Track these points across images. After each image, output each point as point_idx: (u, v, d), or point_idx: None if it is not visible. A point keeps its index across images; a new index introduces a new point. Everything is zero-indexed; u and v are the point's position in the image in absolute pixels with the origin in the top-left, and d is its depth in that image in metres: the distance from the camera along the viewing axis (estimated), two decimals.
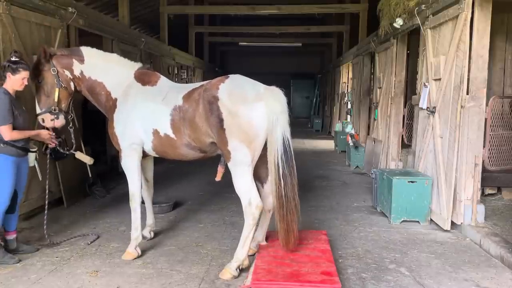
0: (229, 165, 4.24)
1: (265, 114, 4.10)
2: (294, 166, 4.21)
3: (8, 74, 4.46)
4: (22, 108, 4.66)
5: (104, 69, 4.82)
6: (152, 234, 5.34)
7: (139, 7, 14.63)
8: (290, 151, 4.17)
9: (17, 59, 4.49)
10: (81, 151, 7.23)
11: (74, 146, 5.14)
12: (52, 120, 4.73)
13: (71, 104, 4.97)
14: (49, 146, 4.92)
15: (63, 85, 4.74)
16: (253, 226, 4.25)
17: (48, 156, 5.05)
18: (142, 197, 5.05)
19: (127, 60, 4.97)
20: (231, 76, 4.39)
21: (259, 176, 4.49)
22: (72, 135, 5.03)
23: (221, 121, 4.11)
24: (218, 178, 4.65)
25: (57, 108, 4.72)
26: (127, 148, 4.70)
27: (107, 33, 8.72)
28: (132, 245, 4.75)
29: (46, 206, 5.11)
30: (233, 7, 16.74)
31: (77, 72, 4.80)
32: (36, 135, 4.72)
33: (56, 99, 4.72)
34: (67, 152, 5.10)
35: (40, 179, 5.05)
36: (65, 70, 4.76)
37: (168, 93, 4.55)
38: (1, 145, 4.41)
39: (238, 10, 16.20)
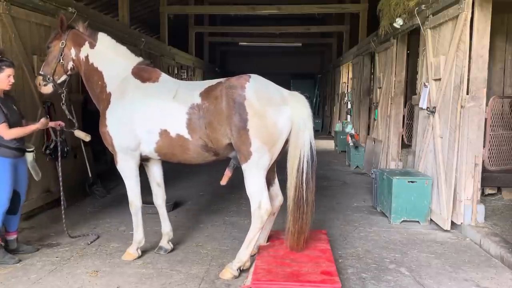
0: (245, 166, 4.11)
1: (289, 118, 4.07)
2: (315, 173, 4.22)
3: None
4: (13, 108, 4.56)
5: (109, 59, 4.66)
6: (171, 244, 4.92)
7: (139, 7, 14.63)
8: (315, 156, 4.16)
9: None
10: (81, 150, 7.26)
11: (76, 125, 5.09)
12: (40, 84, 4.77)
13: (65, 82, 4.84)
14: (57, 128, 4.95)
15: (61, 61, 4.68)
16: (260, 229, 4.20)
17: (47, 156, 5.06)
18: (154, 204, 4.95)
19: (132, 55, 4.80)
20: (252, 76, 4.24)
21: (267, 178, 4.35)
22: (74, 115, 5.01)
23: (245, 121, 3.99)
24: (223, 182, 4.50)
25: (51, 78, 4.71)
26: (122, 150, 4.49)
27: (107, 33, 8.70)
28: (134, 247, 4.70)
29: (62, 197, 5.19)
30: (233, 7, 16.74)
31: (82, 55, 4.69)
32: (36, 128, 4.69)
33: (52, 70, 4.70)
34: (66, 152, 5.11)
35: (37, 179, 5.00)
36: (72, 48, 4.70)
37: (179, 90, 4.33)
38: None
39: (238, 10, 16.20)
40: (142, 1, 14.55)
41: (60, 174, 5.16)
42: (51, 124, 4.86)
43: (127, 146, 4.47)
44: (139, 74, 4.58)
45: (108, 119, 4.49)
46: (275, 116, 4.04)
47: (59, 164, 5.21)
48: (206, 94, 4.21)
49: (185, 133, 4.23)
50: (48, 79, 4.71)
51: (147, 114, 4.35)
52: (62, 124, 4.91)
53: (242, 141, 4.04)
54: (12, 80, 4.49)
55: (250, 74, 4.27)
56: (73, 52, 4.70)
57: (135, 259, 4.66)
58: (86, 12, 7.79)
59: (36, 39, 6.20)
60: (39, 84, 4.77)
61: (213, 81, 4.37)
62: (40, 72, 4.78)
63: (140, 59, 4.79)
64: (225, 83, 4.20)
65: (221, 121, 4.09)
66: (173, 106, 4.26)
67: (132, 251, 4.69)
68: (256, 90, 4.10)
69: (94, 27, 8.00)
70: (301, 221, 4.15)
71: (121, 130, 4.44)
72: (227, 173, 4.47)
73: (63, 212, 5.18)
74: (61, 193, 5.18)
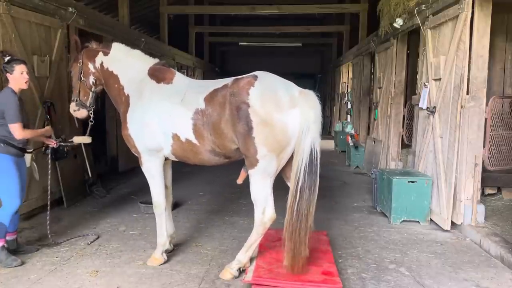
0: (251, 172, 3.99)
1: (299, 122, 3.84)
2: (317, 181, 3.93)
3: (8, 75, 4.51)
4: (25, 111, 4.69)
5: (123, 62, 4.63)
6: (172, 245, 4.88)
7: (139, 7, 14.61)
8: (317, 164, 3.91)
9: (9, 58, 4.54)
10: (81, 150, 7.26)
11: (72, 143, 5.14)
12: (74, 110, 4.82)
13: (93, 99, 4.83)
14: (50, 145, 4.94)
15: (82, 78, 4.72)
16: (261, 236, 4.13)
17: (48, 156, 5.07)
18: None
19: (147, 56, 4.75)
20: (260, 76, 4.03)
21: None
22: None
23: (250, 129, 3.83)
24: (239, 181, 4.40)
25: (79, 100, 4.76)
26: (146, 151, 4.41)
27: (107, 33, 8.72)
28: (159, 251, 4.57)
29: (49, 205, 5.17)
30: (233, 7, 16.69)
31: (97, 64, 4.71)
32: (44, 132, 4.80)
33: (77, 91, 4.76)
34: (67, 152, 5.11)
35: (37, 179, 5.01)
36: (89, 63, 4.73)
37: (187, 93, 4.24)
38: (1, 145, 4.43)
39: (238, 10, 16.16)
40: (142, 1, 14.54)
41: (49, 182, 5.19)
42: (49, 142, 4.93)
43: (149, 147, 4.40)
44: (155, 74, 4.53)
45: (129, 122, 4.46)
46: (283, 122, 3.83)
47: (36, 170, 5.23)
48: (210, 98, 4.08)
49: (192, 138, 4.16)
50: (76, 101, 4.76)
51: (161, 117, 4.29)
52: (55, 142, 4.96)
53: (247, 149, 3.92)
54: (26, 76, 4.56)
55: (257, 74, 4.06)
56: (90, 66, 4.74)
57: (162, 263, 4.51)
58: (86, 12, 7.78)
59: (36, 39, 6.20)
60: (74, 111, 4.82)
61: (220, 82, 4.21)
62: (72, 99, 4.84)
63: (156, 60, 4.73)
64: (230, 87, 4.03)
65: (226, 128, 3.98)
66: (180, 111, 4.19)
67: (158, 256, 4.55)
68: (262, 95, 3.88)
69: (94, 27, 8.07)
70: (296, 238, 3.81)
71: (142, 132, 4.39)
72: (243, 174, 4.38)
73: (48, 217, 5.12)
74: (48, 203, 5.19)
